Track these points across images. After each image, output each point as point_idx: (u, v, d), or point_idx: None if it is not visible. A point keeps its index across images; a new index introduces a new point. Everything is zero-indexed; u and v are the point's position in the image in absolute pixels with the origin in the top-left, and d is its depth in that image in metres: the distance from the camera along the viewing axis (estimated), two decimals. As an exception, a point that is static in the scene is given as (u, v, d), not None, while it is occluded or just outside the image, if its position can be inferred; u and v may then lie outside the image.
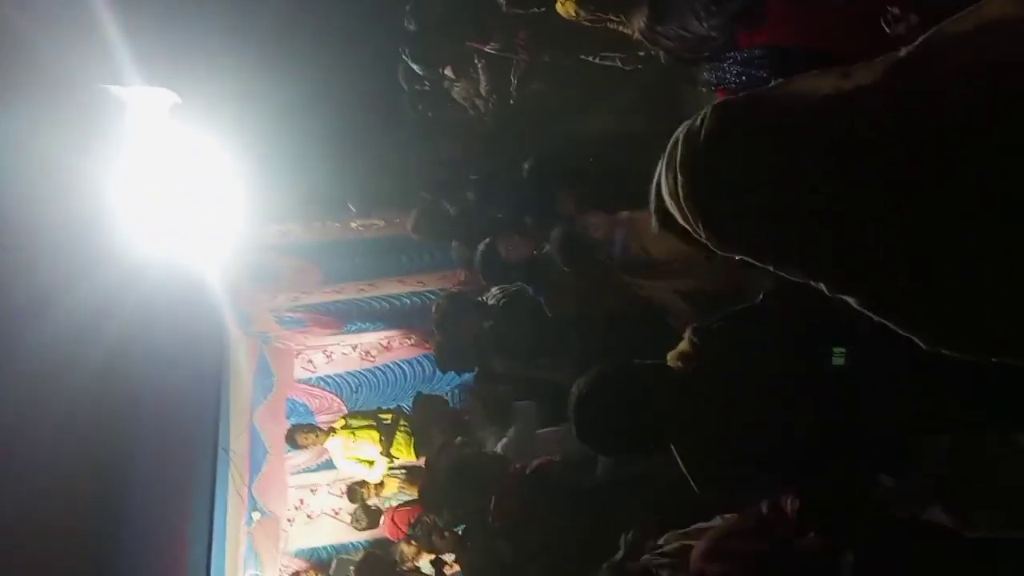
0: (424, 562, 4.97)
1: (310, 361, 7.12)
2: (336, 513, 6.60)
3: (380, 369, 7.01)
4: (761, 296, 1.89)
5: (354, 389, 7.00)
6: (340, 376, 7.05)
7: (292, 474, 6.80)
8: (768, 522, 1.83)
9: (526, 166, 4.13)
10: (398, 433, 5.73)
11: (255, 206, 5.31)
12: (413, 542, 4.88)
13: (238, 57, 4.95)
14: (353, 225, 6.48)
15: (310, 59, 5.33)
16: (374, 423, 5.79)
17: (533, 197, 4.15)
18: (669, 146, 1.28)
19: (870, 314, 1.17)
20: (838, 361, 1.64)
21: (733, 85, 2.63)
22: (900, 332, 1.15)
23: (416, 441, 5.65)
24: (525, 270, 3.89)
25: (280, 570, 6.51)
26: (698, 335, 1.92)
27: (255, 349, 7.03)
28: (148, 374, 5.19)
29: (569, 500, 3.06)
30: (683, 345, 1.95)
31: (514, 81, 4.32)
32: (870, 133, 1.09)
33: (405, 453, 5.73)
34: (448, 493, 3.78)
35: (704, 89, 2.85)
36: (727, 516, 2.04)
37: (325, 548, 6.56)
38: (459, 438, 4.50)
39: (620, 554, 2.44)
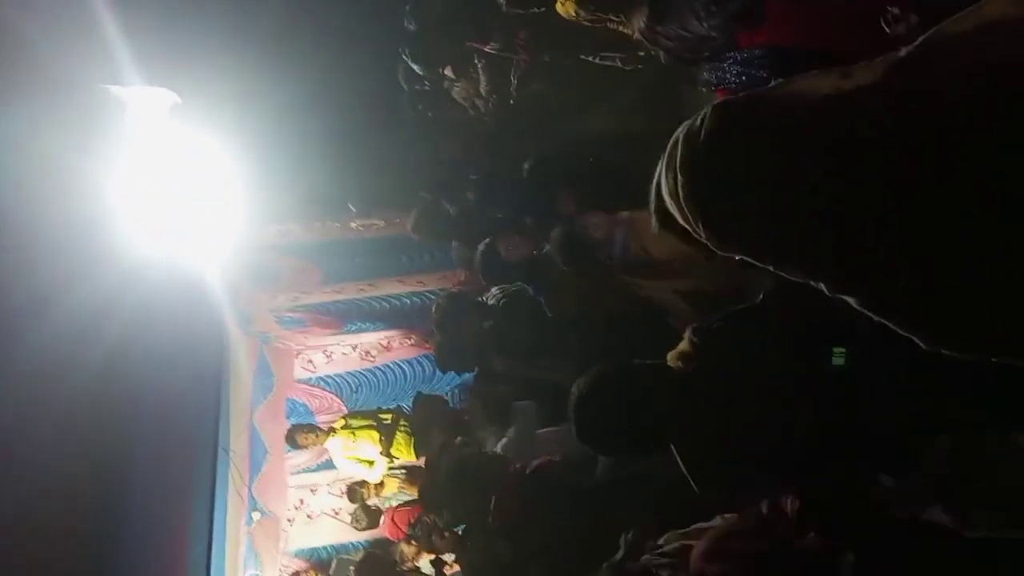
0: (424, 562, 4.97)
1: (310, 361, 7.12)
2: (336, 513, 6.59)
3: (380, 369, 7.00)
4: (761, 296, 1.89)
5: (354, 389, 7.00)
6: (340, 376, 7.05)
7: (292, 474, 6.80)
8: (768, 522, 1.83)
9: (526, 166, 4.13)
10: (398, 433, 5.73)
11: (255, 206, 5.31)
12: (413, 542, 4.88)
13: (238, 57, 4.95)
14: (353, 225, 6.48)
15: (310, 59, 5.33)
16: (374, 423, 5.79)
17: (533, 197, 4.15)
18: (669, 146, 1.28)
19: (870, 314, 1.17)
20: (838, 361, 1.64)
21: (733, 85, 2.63)
22: (900, 332, 1.15)
23: (416, 441, 5.65)
24: (525, 270, 3.89)
25: (280, 570, 6.50)
26: (698, 335, 1.92)
27: (255, 349, 7.02)
28: (148, 374, 5.18)
29: (569, 500, 3.06)
30: (683, 345, 1.95)
31: (514, 81, 4.32)
32: (870, 133, 1.09)
33: (405, 453, 5.72)
34: (448, 493, 3.78)
35: (704, 89, 2.85)
36: (727, 516, 2.05)
37: (325, 548, 6.56)
38: (459, 438, 4.49)
39: (620, 554, 2.45)
